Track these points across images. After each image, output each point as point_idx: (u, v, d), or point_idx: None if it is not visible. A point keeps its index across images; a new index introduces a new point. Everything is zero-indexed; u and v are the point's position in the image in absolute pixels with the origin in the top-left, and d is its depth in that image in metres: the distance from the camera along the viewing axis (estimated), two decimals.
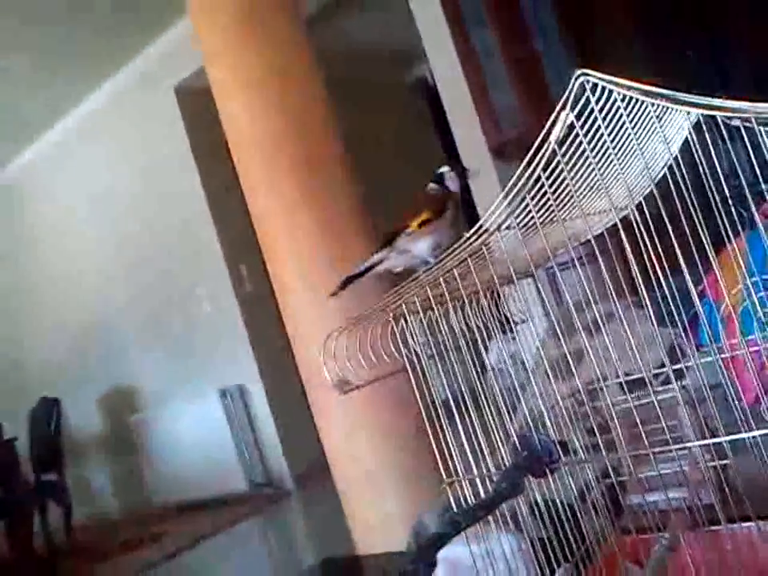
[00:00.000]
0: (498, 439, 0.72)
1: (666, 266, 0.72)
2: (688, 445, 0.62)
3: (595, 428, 0.68)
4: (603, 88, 0.47)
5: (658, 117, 0.52)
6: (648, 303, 0.76)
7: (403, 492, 2.42)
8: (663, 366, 0.87)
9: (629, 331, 0.72)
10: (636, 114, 0.55)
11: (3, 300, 6.22)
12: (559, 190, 0.56)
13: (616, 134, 0.53)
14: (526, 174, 0.52)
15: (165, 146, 4.94)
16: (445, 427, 0.72)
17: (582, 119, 0.50)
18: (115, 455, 5.63)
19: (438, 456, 0.70)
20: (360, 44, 5.24)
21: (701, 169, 0.68)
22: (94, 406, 5.73)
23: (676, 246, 0.68)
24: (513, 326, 0.80)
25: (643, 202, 0.73)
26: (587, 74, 0.47)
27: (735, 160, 0.69)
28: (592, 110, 0.54)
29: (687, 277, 0.72)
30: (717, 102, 0.44)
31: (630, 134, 0.52)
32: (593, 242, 0.67)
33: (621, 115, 0.50)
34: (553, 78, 3.36)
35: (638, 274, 0.72)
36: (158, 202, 5.09)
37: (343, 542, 2.69)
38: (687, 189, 0.69)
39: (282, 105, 2.63)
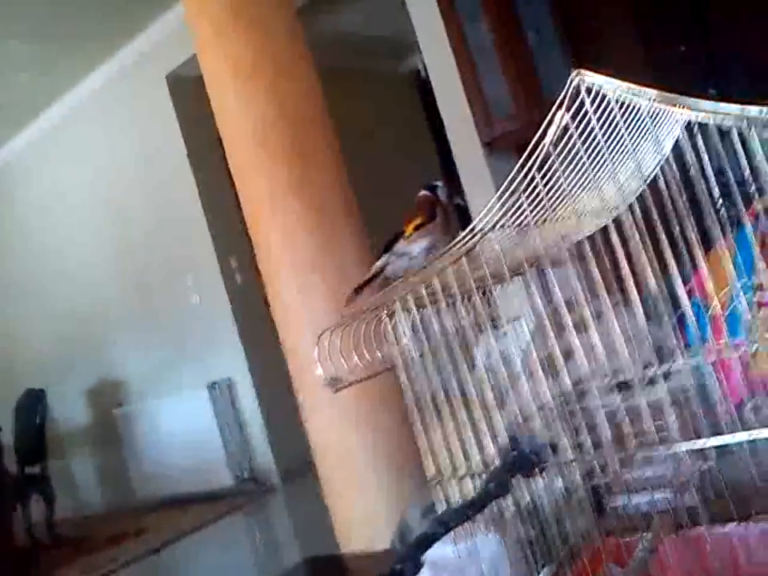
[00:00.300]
0: (486, 438, 0.70)
1: (656, 266, 0.70)
2: (673, 447, 0.60)
3: (579, 428, 0.66)
4: (598, 89, 0.44)
5: (650, 117, 0.49)
6: (636, 302, 0.73)
7: (389, 491, 2.40)
8: (651, 365, 0.85)
9: (617, 330, 0.69)
10: (629, 114, 0.53)
11: None
12: (553, 191, 0.54)
13: (609, 135, 0.51)
14: (521, 175, 0.50)
15: (156, 135, 4.90)
16: (433, 425, 0.70)
17: (577, 120, 0.47)
18: (100, 448, 5.59)
19: (423, 453, 0.67)
20: (353, 34, 5.21)
21: (691, 169, 0.66)
22: (80, 398, 5.68)
23: (665, 245, 0.66)
24: (503, 323, 0.78)
25: (635, 202, 0.71)
26: (583, 75, 0.45)
27: (725, 160, 0.67)
28: (586, 111, 0.52)
29: (675, 276, 0.70)
30: (707, 104, 0.42)
31: (623, 135, 0.50)
32: (584, 241, 0.65)
33: (614, 116, 0.48)
34: (545, 73, 3.34)
35: (628, 273, 0.69)
36: (148, 191, 5.05)
37: (328, 539, 2.66)
38: (678, 189, 0.66)
39: (274, 93, 2.61)
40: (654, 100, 0.45)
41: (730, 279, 0.96)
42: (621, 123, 0.51)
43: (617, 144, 0.54)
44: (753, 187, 0.71)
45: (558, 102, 0.46)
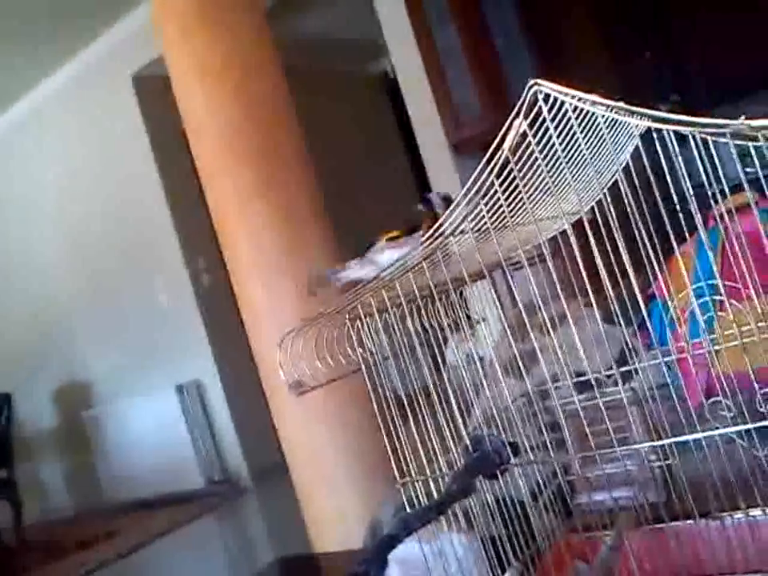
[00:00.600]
0: (452, 439, 0.72)
1: (617, 268, 0.73)
2: (634, 447, 0.62)
3: (544, 428, 0.68)
4: (555, 98, 0.47)
5: (607, 126, 0.52)
6: (596, 305, 0.76)
7: (361, 489, 2.41)
8: (612, 366, 0.88)
9: (580, 332, 0.72)
10: (587, 122, 0.56)
11: None
12: (512, 196, 0.57)
13: (568, 143, 0.53)
14: (480, 181, 0.52)
15: (122, 134, 4.85)
16: (398, 427, 0.72)
17: (535, 127, 0.50)
18: (69, 451, 5.52)
19: (391, 456, 0.69)
20: (321, 35, 5.21)
21: (651, 176, 0.69)
22: (48, 401, 5.61)
23: (623, 250, 0.68)
24: (469, 326, 0.80)
25: (594, 207, 0.74)
26: (540, 84, 0.47)
27: (683, 166, 0.70)
28: (545, 119, 0.54)
29: (633, 280, 0.73)
30: (664, 114, 0.44)
31: (579, 143, 0.53)
32: (545, 245, 0.68)
33: (571, 124, 0.50)
34: (512, 76, 3.38)
35: (589, 276, 0.72)
36: (114, 191, 5.00)
37: (301, 540, 2.67)
38: (637, 194, 0.70)
39: (241, 94, 2.61)
40: (610, 110, 0.48)
41: (688, 281, 1.00)
42: (578, 132, 0.53)
43: (574, 152, 0.57)
44: (711, 192, 0.75)
45: (515, 109, 0.49)
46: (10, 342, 5.75)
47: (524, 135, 0.49)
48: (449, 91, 3.43)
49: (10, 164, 5.54)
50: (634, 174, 0.71)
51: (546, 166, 0.53)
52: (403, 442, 0.73)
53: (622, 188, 0.72)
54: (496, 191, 0.59)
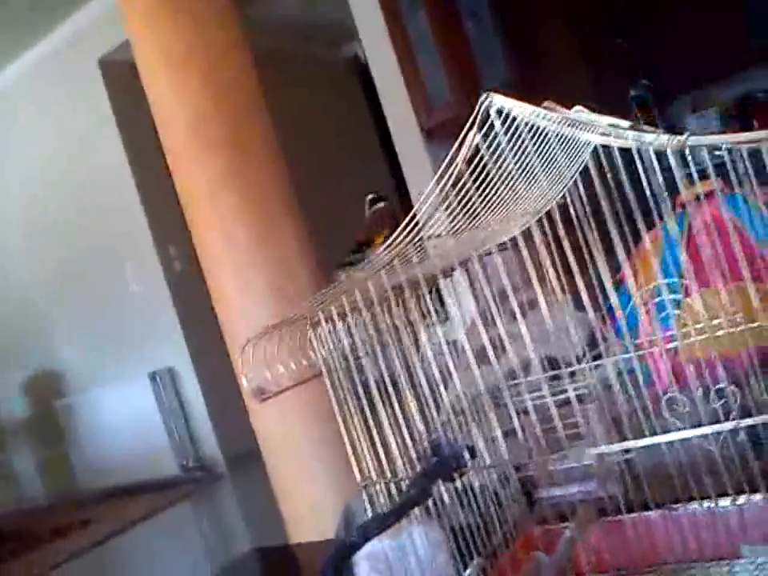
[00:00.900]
0: (411, 441, 0.73)
1: (587, 255, 0.74)
2: (593, 451, 0.64)
3: (494, 432, 0.70)
4: (507, 112, 0.48)
5: (557, 139, 0.53)
6: (566, 290, 0.78)
7: (335, 479, 2.42)
8: (583, 352, 0.90)
9: (548, 320, 0.73)
10: (538, 135, 0.57)
11: None
12: (468, 205, 0.58)
13: (521, 154, 0.54)
14: (436, 191, 0.53)
15: (90, 120, 4.78)
16: (359, 430, 0.73)
17: (489, 140, 0.51)
18: (42, 440, 5.48)
19: (352, 458, 0.70)
20: (291, 18, 5.16)
21: (619, 160, 0.70)
22: (19, 390, 5.55)
23: (592, 240, 0.70)
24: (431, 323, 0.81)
25: (566, 193, 0.75)
26: (492, 98, 0.48)
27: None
28: (497, 132, 0.55)
29: (601, 270, 0.74)
30: (613, 130, 0.46)
31: (530, 155, 0.54)
32: (507, 243, 0.69)
33: (523, 137, 0.52)
34: (483, 61, 3.38)
35: (555, 266, 0.74)
36: (83, 178, 4.93)
37: (276, 527, 2.69)
38: (605, 179, 0.70)
39: (208, 82, 2.58)
40: (561, 123, 0.49)
41: (654, 272, 1.02)
42: (529, 144, 0.55)
43: (526, 163, 0.59)
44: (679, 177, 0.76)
45: (469, 122, 0.50)
46: None
47: (477, 148, 0.50)
48: (420, 77, 3.42)
49: None
50: (603, 159, 0.72)
51: (500, 176, 0.54)
52: (364, 445, 0.74)
53: (591, 173, 0.73)
54: (464, 194, 0.61)
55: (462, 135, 0.49)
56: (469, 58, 3.35)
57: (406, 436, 0.69)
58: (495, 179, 0.54)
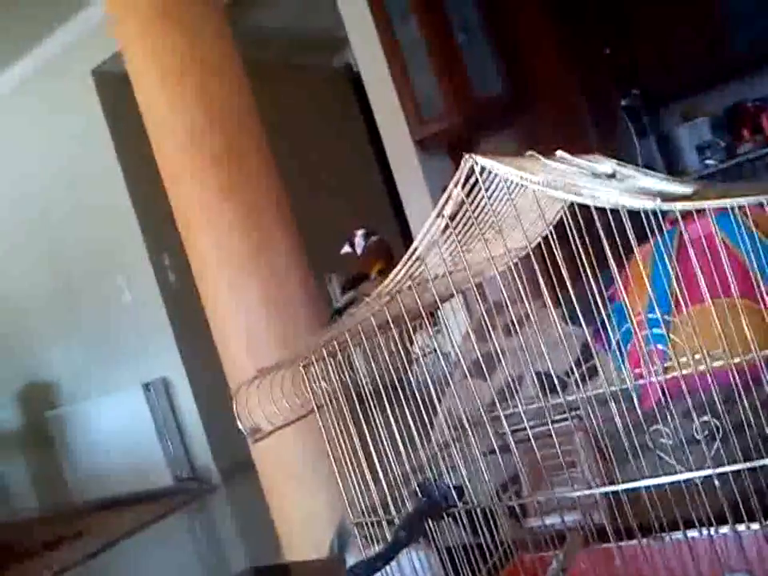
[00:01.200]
0: (403, 480, 0.74)
1: (580, 269, 0.75)
2: (586, 492, 0.65)
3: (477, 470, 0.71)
4: (489, 170, 0.51)
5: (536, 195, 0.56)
6: (558, 305, 0.78)
7: (329, 489, 2.42)
8: (573, 369, 0.91)
9: (543, 334, 0.74)
10: (517, 190, 0.60)
11: None
12: (453, 249, 0.61)
13: (503, 205, 0.58)
14: (426, 239, 0.56)
15: (83, 130, 4.78)
16: (352, 471, 0.74)
17: (472, 195, 0.55)
18: (34, 451, 5.46)
19: (344, 495, 0.71)
20: (284, 29, 5.17)
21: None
22: (10, 401, 5.53)
23: (582, 254, 0.70)
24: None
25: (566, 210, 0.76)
26: (474, 159, 0.51)
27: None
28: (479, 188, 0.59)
29: (592, 283, 0.75)
30: (586, 190, 0.47)
31: (509, 208, 0.58)
32: (498, 276, 0.70)
33: (503, 193, 0.55)
34: (474, 72, 3.40)
35: (550, 278, 0.74)
36: (76, 188, 4.93)
37: (270, 538, 2.69)
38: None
39: (202, 95, 2.58)
40: (537, 185, 0.51)
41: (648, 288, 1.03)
42: (509, 197, 0.58)
43: (507, 212, 0.61)
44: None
45: (454, 180, 0.53)
46: None
47: (461, 202, 0.53)
48: (411, 87, 3.44)
49: None
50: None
51: (479, 226, 0.57)
52: (356, 485, 0.74)
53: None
54: (451, 239, 0.63)
55: (447, 192, 0.52)
56: (460, 69, 3.37)
57: (397, 474, 0.69)
58: (480, 226, 0.56)
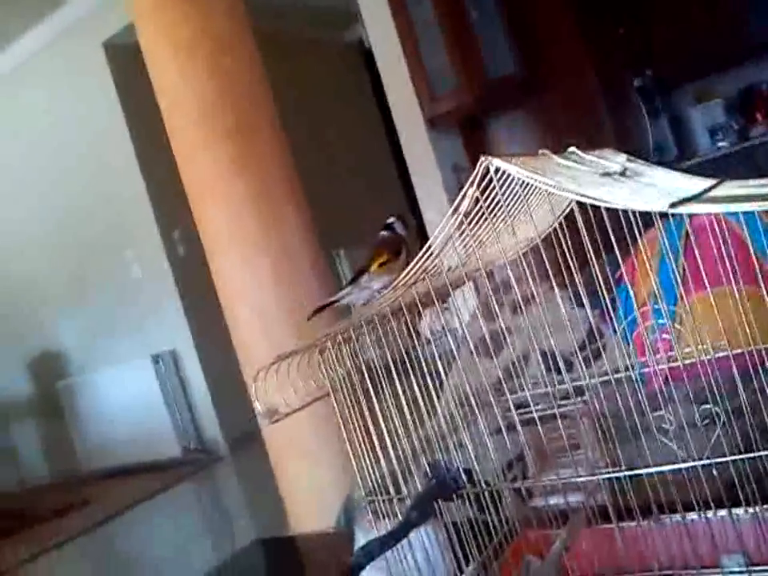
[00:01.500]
0: (413, 461, 0.76)
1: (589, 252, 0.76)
2: (588, 478, 0.67)
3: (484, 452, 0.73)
4: (504, 171, 0.53)
5: (548, 194, 0.58)
6: (566, 287, 0.80)
7: (337, 460, 2.45)
8: (582, 347, 0.93)
9: (550, 314, 0.76)
10: (530, 189, 0.63)
11: None
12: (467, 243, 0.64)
13: (516, 202, 0.60)
14: (442, 235, 0.58)
15: (94, 103, 4.78)
16: (365, 450, 0.76)
17: (487, 192, 0.57)
18: (44, 420, 5.53)
19: (357, 474, 0.73)
20: (297, 2, 5.14)
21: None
22: (22, 371, 5.59)
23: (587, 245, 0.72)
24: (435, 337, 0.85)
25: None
26: (490, 160, 0.54)
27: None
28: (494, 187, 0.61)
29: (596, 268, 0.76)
30: (593, 193, 0.48)
31: (523, 205, 0.60)
32: (507, 267, 0.72)
33: (517, 191, 0.58)
34: (487, 50, 3.38)
35: (558, 260, 0.76)
36: (86, 161, 4.93)
37: (277, 508, 2.73)
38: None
39: (214, 69, 2.58)
40: (550, 186, 0.53)
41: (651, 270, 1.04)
42: (522, 197, 0.60)
43: (518, 211, 0.64)
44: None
45: (470, 180, 0.55)
46: None
47: (477, 200, 0.55)
48: (423, 64, 3.43)
49: None
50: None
51: (494, 223, 0.59)
52: (371, 464, 0.76)
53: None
54: (464, 233, 0.66)
55: (463, 191, 0.55)
56: (474, 49, 3.35)
57: (408, 453, 0.72)
58: (494, 222, 0.58)
